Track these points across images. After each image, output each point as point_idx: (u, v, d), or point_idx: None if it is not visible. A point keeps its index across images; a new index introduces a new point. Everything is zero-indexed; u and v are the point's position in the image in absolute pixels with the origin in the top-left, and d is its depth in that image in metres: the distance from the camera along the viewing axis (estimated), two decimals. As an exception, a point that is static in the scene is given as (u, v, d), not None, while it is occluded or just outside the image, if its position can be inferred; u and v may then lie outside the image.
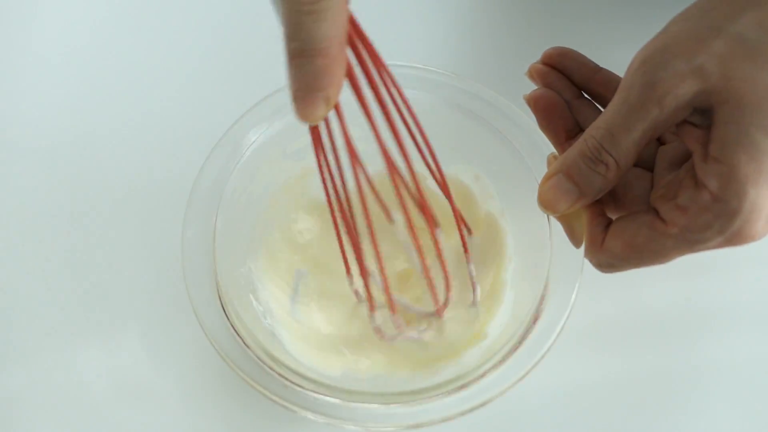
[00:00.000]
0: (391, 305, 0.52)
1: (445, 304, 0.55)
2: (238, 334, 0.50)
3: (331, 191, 0.49)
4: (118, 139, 0.65)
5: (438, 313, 0.55)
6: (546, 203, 0.48)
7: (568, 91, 0.52)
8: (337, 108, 0.43)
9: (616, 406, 0.56)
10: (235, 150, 0.55)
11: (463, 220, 0.54)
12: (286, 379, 0.49)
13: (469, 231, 0.56)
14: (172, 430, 0.56)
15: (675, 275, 0.58)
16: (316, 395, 0.48)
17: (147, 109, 0.66)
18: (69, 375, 0.57)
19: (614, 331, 0.58)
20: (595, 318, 0.58)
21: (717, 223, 0.44)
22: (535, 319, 0.50)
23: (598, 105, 0.53)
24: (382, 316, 0.53)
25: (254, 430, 0.56)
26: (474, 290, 0.55)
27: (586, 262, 0.50)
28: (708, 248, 0.46)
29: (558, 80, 0.52)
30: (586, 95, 0.53)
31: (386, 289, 0.51)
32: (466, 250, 0.54)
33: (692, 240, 0.45)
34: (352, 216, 0.49)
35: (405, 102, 0.47)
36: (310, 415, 0.48)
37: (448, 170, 0.57)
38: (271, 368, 0.49)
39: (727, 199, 0.43)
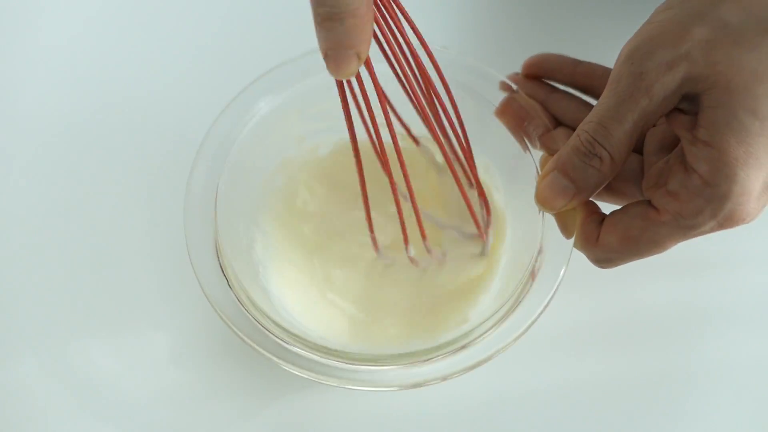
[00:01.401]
0: (422, 230, 0.52)
1: (488, 225, 0.55)
2: (236, 295, 0.50)
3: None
4: (126, 112, 0.65)
5: (481, 235, 0.55)
6: (543, 201, 0.48)
7: (539, 91, 0.54)
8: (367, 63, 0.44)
9: (613, 407, 0.56)
10: (246, 111, 0.55)
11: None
12: (283, 341, 0.49)
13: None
14: (172, 395, 0.57)
15: (673, 275, 0.59)
16: (313, 356, 0.49)
17: (155, 80, 0.66)
18: (70, 344, 0.58)
19: (613, 331, 0.58)
20: (593, 318, 0.58)
21: (708, 207, 0.44)
22: (515, 305, 0.50)
23: (583, 96, 0.54)
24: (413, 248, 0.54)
25: (259, 390, 0.56)
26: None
27: (582, 258, 0.50)
28: (702, 233, 0.46)
29: (527, 86, 0.54)
30: (562, 88, 0.54)
31: (415, 209, 0.51)
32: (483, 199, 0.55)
33: (685, 226, 0.45)
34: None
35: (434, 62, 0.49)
36: (306, 374, 0.49)
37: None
38: (270, 331, 0.50)
39: (717, 182, 0.43)
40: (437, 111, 0.50)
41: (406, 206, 0.51)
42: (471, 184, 0.54)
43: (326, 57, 0.42)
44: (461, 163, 0.53)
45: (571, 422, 0.56)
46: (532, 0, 0.69)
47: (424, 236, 0.53)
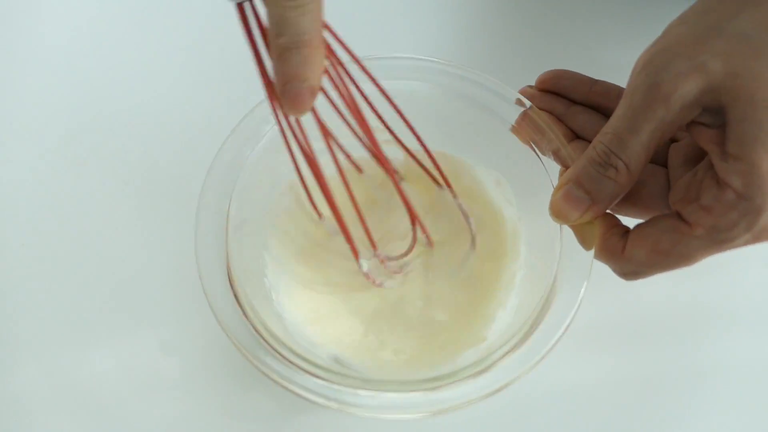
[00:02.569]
0: (373, 244, 0.53)
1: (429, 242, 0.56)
2: (253, 325, 0.49)
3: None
4: (132, 126, 0.65)
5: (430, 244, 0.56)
6: (557, 213, 0.48)
7: (558, 105, 0.54)
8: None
9: (617, 407, 0.56)
10: (252, 134, 0.55)
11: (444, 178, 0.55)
12: (304, 370, 0.48)
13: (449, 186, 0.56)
14: (183, 419, 0.56)
15: (677, 275, 0.57)
16: (330, 384, 0.48)
17: (161, 96, 0.66)
18: (80, 366, 0.57)
19: (615, 331, 0.58)
20: (596, 318, 0.57)
21: (744, 220, 0.44)
22: (535, 324, 0.49)
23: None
24: (370, 263, 0.54)
25: (269, 415, 0.56)
26: (468, 222, 0.56)
27: (594, 268, 0.50)
28: (735, 246, 0.46)
29: (544, 99, 0.54)
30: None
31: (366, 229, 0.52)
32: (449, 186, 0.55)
33: (719, 240, 0.45)
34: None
35: (381, 90, 0.50)
36: (322, 401, 0.48)
37: (473, 173, 0.58)
38: (283, 356, 0.49)
39: (751, 196, 0.43)
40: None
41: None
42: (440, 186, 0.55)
43: (283, 92, 0.44)
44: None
45: (574, 422, 0.56)
46: (538, 14, 0.69)
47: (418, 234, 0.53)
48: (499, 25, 0.69)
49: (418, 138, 0.52)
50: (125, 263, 0.60)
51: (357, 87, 0.50)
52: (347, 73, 0.49)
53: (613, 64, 0.56)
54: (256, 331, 0.49)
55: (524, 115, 0.54)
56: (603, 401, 0.56)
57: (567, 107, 0.54)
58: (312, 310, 0.55)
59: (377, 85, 0.50)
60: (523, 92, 0.55)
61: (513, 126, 0.54)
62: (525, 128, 0.54)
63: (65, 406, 0.56)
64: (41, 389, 0.57)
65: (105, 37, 0.68)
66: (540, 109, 0.54)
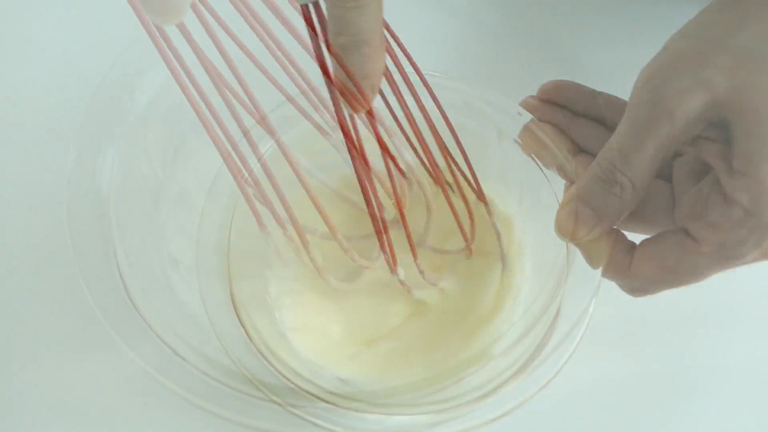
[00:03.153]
0: (413, 251, 0.52)
1: (473, 238, 0.55)
2: (255, 346, 0.49)
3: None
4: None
5: (468, 250, 0.55)
6: (563, 231, 0.48)
7: (561, 117, 0.53)
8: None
9: (617, 407, 0.56)
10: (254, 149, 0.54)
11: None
12: (300, 388, 0.48)
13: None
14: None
15: None
16: (336, 408, 0.47)
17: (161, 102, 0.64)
18: (78, 379, 0.57)
19: (614, 333, 0.57)
20: (596, 320, 0.55)
21: (752, 237, 0.44)
22: (542, 345, 0.49)
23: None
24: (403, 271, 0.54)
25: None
26: (499, 240, 0.55)
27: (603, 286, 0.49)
28: (744, 263, 0.45)
29: (547, 111, 0.54)
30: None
31: (407, 233, 0.51)
32: (482, 199, 0.55)
33: (728, 256, 0.45)
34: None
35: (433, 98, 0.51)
36: (328, 426, 0.48)
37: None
38: (287, 378, 0.48)
39: (759, 212, 0.43)
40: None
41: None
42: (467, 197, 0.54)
43: (343, 90, 0.44)
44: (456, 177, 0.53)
45: (575, 423, 0.56)
46: (538, 23, 0.69)
47: (415, 255, 0.52)
48: (500, 36, 0.68)
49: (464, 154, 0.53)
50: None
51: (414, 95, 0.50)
52: (404, 77, 0.49)
53: (614, 69, 0.56)
54: (259, 352, 0.49)
55: (526, 129, 0.53)
56: (603, 403, 0.56)
57: (570, 119, 0.54)
58: (316, 330, 0.55)
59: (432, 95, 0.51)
60: (525, 103, 0.55)
61: (516, 140, 0.54)
62: (528, 142, 0.53)
63: (62, 418, 0.56)
64: (38, 399, 0.56)
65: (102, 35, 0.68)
66: (543, 120, 0.53)
